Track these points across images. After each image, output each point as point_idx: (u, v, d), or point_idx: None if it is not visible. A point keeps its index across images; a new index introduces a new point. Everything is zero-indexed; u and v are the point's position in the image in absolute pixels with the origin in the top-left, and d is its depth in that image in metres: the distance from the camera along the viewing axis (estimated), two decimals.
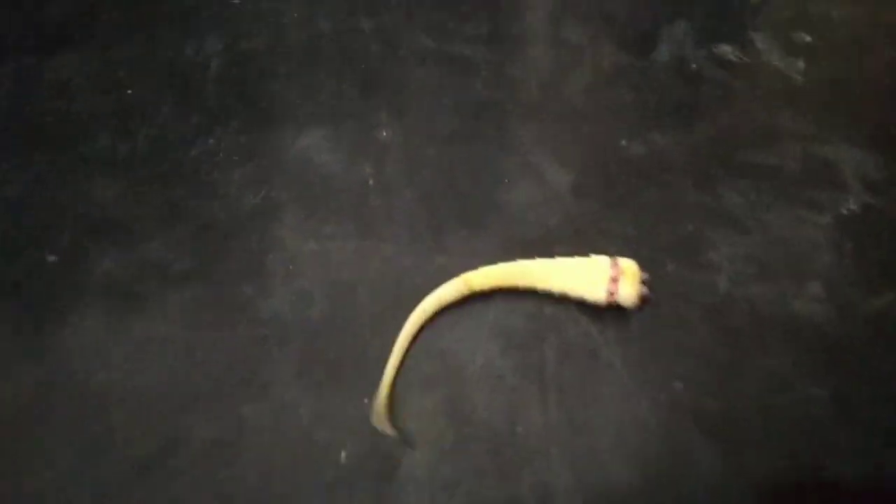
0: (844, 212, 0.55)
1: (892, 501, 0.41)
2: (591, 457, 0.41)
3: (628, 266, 0.47)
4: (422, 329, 0.45)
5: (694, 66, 0.68)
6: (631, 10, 0.72)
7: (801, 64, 0.66)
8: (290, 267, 0.48)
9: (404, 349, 0.44)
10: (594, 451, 0.41)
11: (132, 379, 0.42)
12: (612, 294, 0.46)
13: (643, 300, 0.47)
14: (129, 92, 0.60)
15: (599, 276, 0.46)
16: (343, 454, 0.40)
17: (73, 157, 0.54)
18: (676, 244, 0.52)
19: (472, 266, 0.49)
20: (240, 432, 0.40)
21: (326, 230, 0.51)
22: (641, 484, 0.40)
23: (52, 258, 0.48)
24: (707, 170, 0.58)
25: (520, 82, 0.65)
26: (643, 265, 0.49)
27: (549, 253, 0.51)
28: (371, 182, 0.54)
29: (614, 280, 0.46)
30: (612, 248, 0.51)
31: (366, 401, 0.42)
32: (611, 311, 0.47)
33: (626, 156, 0.58)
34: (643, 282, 0.47)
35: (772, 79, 0.64)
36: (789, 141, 0.60)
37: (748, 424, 0.43)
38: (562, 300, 0.47)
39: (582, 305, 0.47)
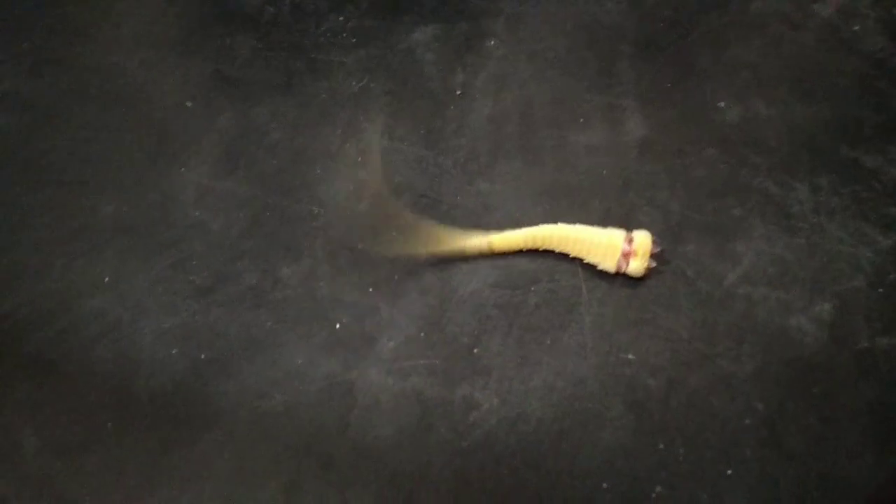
0: None
1: None
2: (520, 392, 0.48)
3: (642, 242, 0.50)
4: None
5: (856, 27, 0.62)
6: None
7: None
8: (360, 158, 0.57)
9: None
10: (527, 388, 0.48)
11: (214, 223, 0.55)
12: (621, 267, 0.50)
13: (649, 271, 0.51)
14: None
15: (612, 250, 0.50)
16: (338, 325, 0.51)
17: (220, 13, 0.64)
18: (712, 226, 0.54)
19: (508, 199, 0.55)
20: (273, 286, 0.52)
21: (401, 131, 0.58)
22: (553, 431, 0.47)
23: (189, 104, 0.60)
24: (796, 155, 0.56)
25: (650, 14, 0.64)
26: (667, 240, 0.52)
27: (586, 205, 0.55)
28: (458, 92, 0.60)
29: (626, 255, 0.50)
30: (646, 218, 0.54)
31: (370, 290, 0.52)
32: (608, 274, 0.52)
33: (715, 119, 0.58)
34: (653, 255, 0.51)
35: None
36: None
37: (674, 415, 0.48)
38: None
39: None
